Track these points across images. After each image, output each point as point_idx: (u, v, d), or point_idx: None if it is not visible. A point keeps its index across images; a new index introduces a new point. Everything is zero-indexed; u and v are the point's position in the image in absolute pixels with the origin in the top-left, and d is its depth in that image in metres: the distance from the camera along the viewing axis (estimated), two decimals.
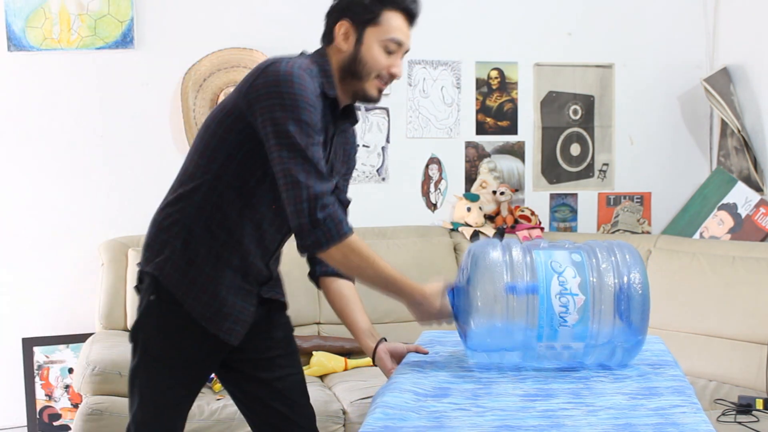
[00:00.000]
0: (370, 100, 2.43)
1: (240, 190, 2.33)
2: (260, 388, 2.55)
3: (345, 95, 2.42)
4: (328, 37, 2.43)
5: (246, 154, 2.31)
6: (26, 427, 4.07)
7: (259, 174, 2.32)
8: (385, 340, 2.58)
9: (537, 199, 4.84)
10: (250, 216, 2.35)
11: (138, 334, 2.46)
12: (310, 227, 2.20)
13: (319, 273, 2.61)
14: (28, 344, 4.08)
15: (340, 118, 2.45)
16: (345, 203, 2.56)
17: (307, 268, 3.95)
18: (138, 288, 2.47)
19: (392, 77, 2.41)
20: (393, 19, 2.39)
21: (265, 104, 2.27)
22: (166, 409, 2.45)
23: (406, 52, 2.46)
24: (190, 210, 2.35)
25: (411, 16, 2.46)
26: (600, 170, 4.91)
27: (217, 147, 2.34)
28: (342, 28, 2.38)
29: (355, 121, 2.54)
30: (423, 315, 2.39)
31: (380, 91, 2.42)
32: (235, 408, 3.43)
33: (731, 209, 4.52)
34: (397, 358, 2.54)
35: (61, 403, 4.06)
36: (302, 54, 2.46)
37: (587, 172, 4.90)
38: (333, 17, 2.42)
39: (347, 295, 2.61)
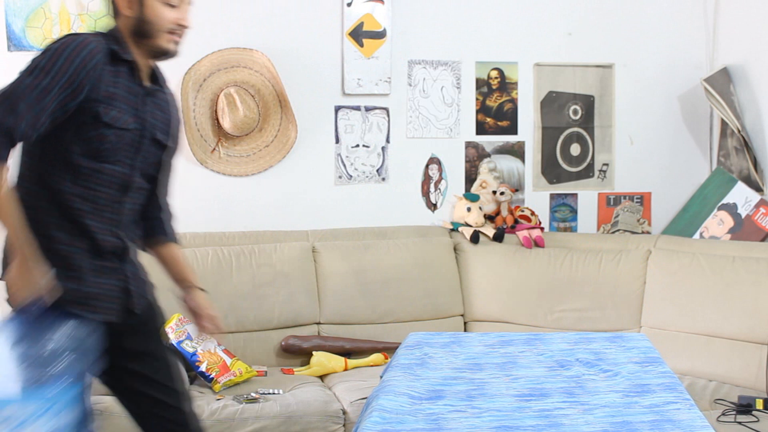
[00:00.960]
0: (168, 53, 2.56)
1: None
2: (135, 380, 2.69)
3: (144, 56, 2.55)
4: (114, 10, 2.56)
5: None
6: None
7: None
8: (203, 291, 2.83)
9: (537, 199, 4.84)
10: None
11: None
12: None
13: (148, 243, 2.78)
14: None
15: (151, 82, 2.61)
16: (163, 209, 2.77)
17: (308, 269, 4.00)
18: None
19: (181, 29, 2.54)
20: None
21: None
22: None
23: (191, 2, 2.60)
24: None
25: None
26: (600, 170, 4.91)
27: None
28: None
29: (162, 84, 2.67)
30: (24, 281, 2.37)
31: (175, 42, 2.54)
32: (235, 408, 3.46)
33: (731, 209, 4.52)
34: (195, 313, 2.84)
35: None
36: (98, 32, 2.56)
37: (587, 172, 4.90)
38: None
39: (174, 256, 2.83)
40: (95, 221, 2.48)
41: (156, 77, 2.64)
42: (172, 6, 2.50)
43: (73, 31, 2.62)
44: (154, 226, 2.78)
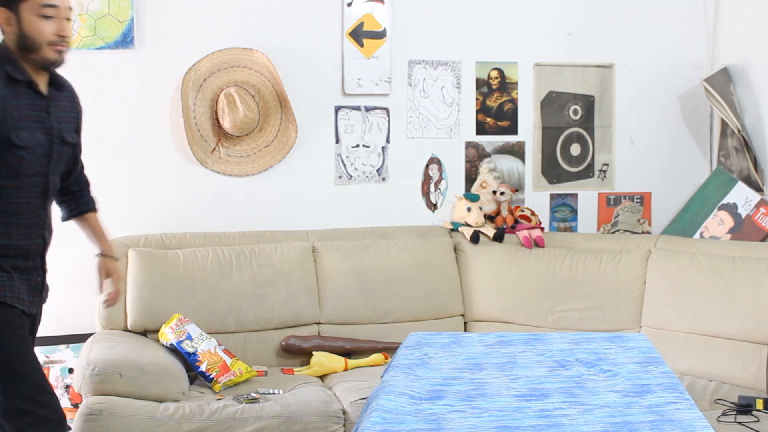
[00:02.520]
0: (53, 64, 2.70)
1: None
2: None
3: (35, 69, 2.69)
4: (1, 30, 2.69)
5: None
6: None
7: None
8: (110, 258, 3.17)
9: (537, 199, 4.84)
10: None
11: None
12: None
13: (69, 216, 3.12)
14: None
15: (50, 90, 2.75)
16: (81, 183, 3.09)
17: (308, 269, 4.01)
18: None
19: (63, 39, 2.66)
20: None
21: None
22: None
23: (71, 9, 2.70)
24: None
25: None
26: (600, 170, 4.91)
27: None
28: (2, 16, 2.65)
29: (61, 86, 2.81)
30: None
31: (59, 52, 2.67)
32: (235, 408, 3.46)
33: (731, 209, 4.52)
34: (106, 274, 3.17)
35: (62, 403, 4.06)
36: None
37: (587, 172, 4.90)
38: None
39: (93, 224, 3.17)
40: (22, 230, 2.74)
41: (53, 80, 2.79)
42: (49, 18, 2.62)
43: None
44: (73, 203, 3.11)
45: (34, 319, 2.94)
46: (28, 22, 2.61)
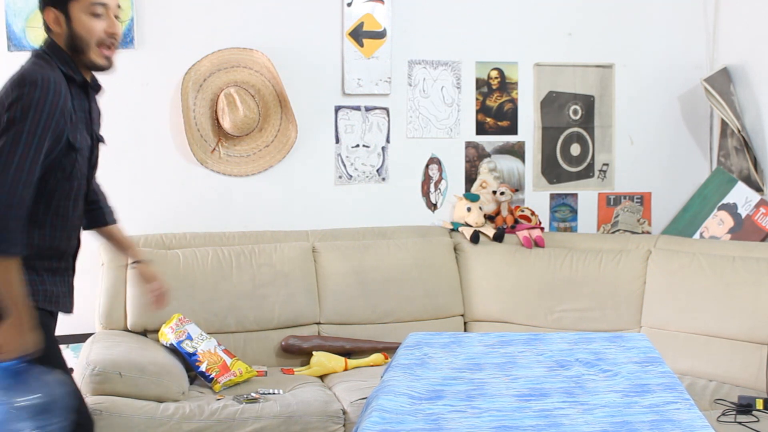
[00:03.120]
0: (101, 68, 2.63)
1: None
2: None
3: (83, 70, 2.63)
4: (46, 27, 2.61)
5: None
6: None
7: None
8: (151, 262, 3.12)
9: (537, 199, 4.84)
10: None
11: None
12: None
13: (92, 226, 3.01)
14: None
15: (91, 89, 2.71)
16: (100, 193, 3.02)
17: (308, 269, 4.01)
18: None
19: (112, 37, 2.59)
20: None
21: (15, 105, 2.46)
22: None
23: (119, 7, 2.64)
24: None
25: None
26: (600, 170, 4.91)
27: None
28: (51, 15, 2.57)
29: (99, 86, 2.75)
30: (16, 342, 2.48)
31: (107, 58, 2.61)
32: (235, 408, 3.46)
33: (731, 209, 4.52)
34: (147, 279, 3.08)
35: None
36: (38, 54, 2.61)
37: (587, 172, 4.90)
38: (41, 7, 2.61)
39: (116, 235, 3.08)
40: (65, 232, 2.67)
41: (93, 80, 2.74)
42: (99, 16, 2.56)
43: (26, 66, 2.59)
44: (96, 213, 3.02)
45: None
46: (79, 21, 2.55)
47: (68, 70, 2.57)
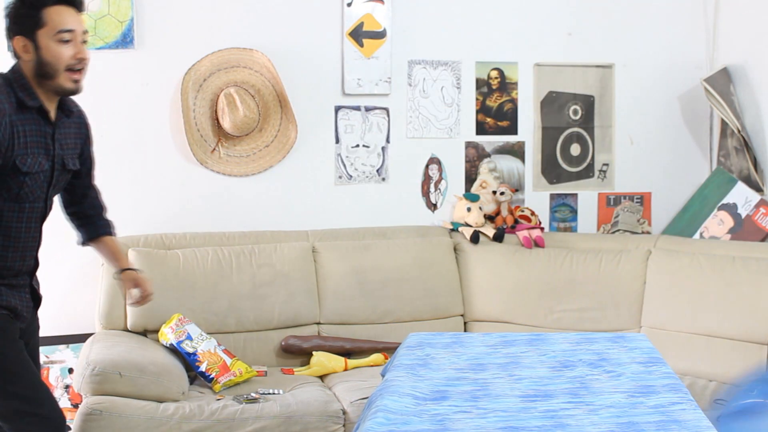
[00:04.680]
0: (70, 92, 2.70)
1: None
2: None
3: (50, 96, 2.69)
4: (14, 54, 2.67)
5: None
6: None
7: None
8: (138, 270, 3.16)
9: (537, 199, 4.84)
10: None
11: None
12: None
13: (86, 240, 3.10)
14: None
15: (58, 114, 2.75)
16: (96, 207, 3.09)
17: (308, 269, 4.00)
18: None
19: (80, 62, 2.66)
20: (55, 14, 2.62)
21: None
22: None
23: (86, 32, 2.70)
24: None
25: (71, 3, 2.67)
26: (600, 170, 4.91)
27: None
28: (19, 43, 2.63)
29: (70, 111, 2.81)
30: None
31: (75, 81, 2.67)
32: (235, 408, 3.46)
33: (731, 209, 4.52)
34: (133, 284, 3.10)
35: (61, 403, 4.05)
36: (2, 76, 2.68)
37: (587, 172, 4.90)
38: (9, 36, 2.66)
39: (110, 245, 3.12)
40: (18, 252, 2.74)
41: (62, 105, 2.78)
42: (66, 42, 2.62)
43: None
44: (90, 227, 3.09)
45: (30, 326, 2.91)
46: (47, 48, 2.61)
47: (25, 96, 2.62)
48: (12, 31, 2.66)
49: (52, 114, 2.74)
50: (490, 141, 4.77)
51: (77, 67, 2.67)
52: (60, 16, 2.63)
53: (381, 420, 1.86)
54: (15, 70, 2.67)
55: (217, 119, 4.29)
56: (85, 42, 2.71)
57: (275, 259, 4.21)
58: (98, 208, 3.12)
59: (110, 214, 4.15)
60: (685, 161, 4.92)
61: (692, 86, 4.85)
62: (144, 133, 4.29)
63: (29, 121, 2.65)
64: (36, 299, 2.93)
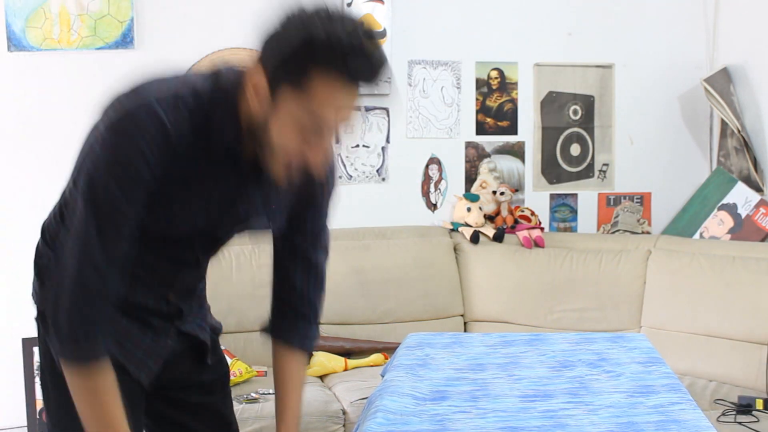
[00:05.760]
0: (273, 177, 1.76)
1: None
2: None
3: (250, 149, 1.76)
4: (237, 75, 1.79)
5: None
6: (26, 428, 4.07)
7: None
8: None
9: (537, 199, 4.84)
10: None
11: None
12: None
13: (278, 336, 2.13)
14: (28, 344, 4.07)
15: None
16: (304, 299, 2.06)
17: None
18: None
19: (311, 164, 1.72)
20: (326, 86, 1.63)
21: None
22: None
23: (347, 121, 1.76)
24: None
25: (358, 80, 1.67)
26: (600, 170, 4.91)
27: None
28: (254, 77, 1.70)
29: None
30: None
31: (288, 176, 1.74)
32: (235, 408, 3.44)
33: (731, 209, 4.52)
34: None
35: None
36: (210, 75, 1.81)
37: (587, 172, 4.90)
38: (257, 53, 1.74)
39: (295, 375, 2.19)
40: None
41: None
42: (312, 132, 1.68)
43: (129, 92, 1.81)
44: (281, 323, 2.10)
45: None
46: (282, 121, 1.67)
47: (226, 123, 1.74)
48: (259, 56, 1.73)
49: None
50: (490, 141, 4.77)
51: (299, 168, 1.73)
52: (333, 92, 1.65)
53: (380, 420, 1.86)
54: (235, 82, 1.76)
55: None
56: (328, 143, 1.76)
57: None
58: (310, 298, 2.10)
59: None
60: (685, 161, 4.93)
61: (692, 86, 4.85)
62: None
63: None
64: None
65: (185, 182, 1.74)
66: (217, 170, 1.76)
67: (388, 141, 4.63)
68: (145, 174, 1.68)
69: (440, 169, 4.72)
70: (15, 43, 4.08)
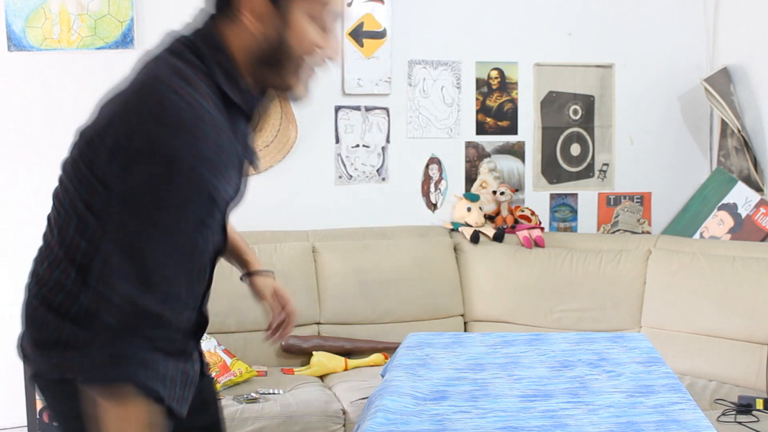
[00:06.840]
0: (294, 98, 1.82)
1: None
2: None
3: (256, 88, 1.79)
4: (222, 6, 1.72)
5: None
6: (26, 428, 4.07)
7: None
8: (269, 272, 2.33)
9: (537, 199, 4.84)
10: None
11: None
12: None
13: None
14: None
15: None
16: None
17: (308, 269, 3.93)
18: None
19: (323, 60, 1.78)
20: None
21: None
22: None
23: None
24: None
25: None
26: (600, 170, 4.91)
27: None
28: (250, 3, 1.68)
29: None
30: None
31: (305, 84, 1.78)
32: (235, 408, 3.46)
33: (731, 209, 4.52)
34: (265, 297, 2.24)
35: None
36: (175, 52, 1.76)
37: (587, 172, 4.90)
38: None
39: (234, 236, 2.23)
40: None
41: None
42: (324, 29, 1.72)
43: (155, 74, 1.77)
44: None
45: None
46: (298, 28, 1.68)
47: (231, 89, 1.72)
48: None
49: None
50: (490, 141, 4.77)
51: (318, 66, 1.78)
52: None
53: (381, 420, 1.86)
54: (210, 40, 1.71)
55: None
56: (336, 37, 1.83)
57: (275, 259, 4.21)
58: None
59: None
60: (685, 161, 4.93)
61: (692, 86, 4.85)
62: None
63: (233, 131, 1.75)
64: None
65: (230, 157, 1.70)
66: (237, 128, 1.75)
67: (388, 141, 4.63)
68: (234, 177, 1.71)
69: (440, 169, 4.72)
70: (15, 43, 4.08)
